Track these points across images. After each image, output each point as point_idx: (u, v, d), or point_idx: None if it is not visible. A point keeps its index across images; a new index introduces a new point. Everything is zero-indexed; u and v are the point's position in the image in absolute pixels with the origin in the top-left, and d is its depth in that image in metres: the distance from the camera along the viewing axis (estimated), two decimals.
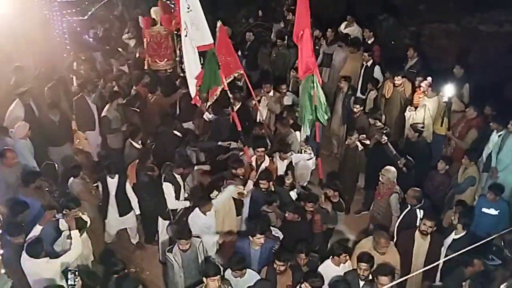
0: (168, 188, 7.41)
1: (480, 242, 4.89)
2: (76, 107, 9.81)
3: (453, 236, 6.61)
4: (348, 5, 13.07)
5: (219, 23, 8.05)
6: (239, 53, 11.79)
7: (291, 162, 8.19)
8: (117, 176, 7.66)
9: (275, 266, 5.86)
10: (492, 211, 7.12)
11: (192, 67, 7.86)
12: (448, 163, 7.89)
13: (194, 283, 6.08)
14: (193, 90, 8.01)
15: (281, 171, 8.05)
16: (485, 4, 11.09)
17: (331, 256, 6.27)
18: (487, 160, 8.11)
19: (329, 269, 6.16)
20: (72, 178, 7.59)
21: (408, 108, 9.35)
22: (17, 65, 10.56)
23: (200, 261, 6.39)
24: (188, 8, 7.29)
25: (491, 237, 5.44)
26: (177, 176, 7.50)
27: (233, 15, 15.28)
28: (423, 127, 8.73)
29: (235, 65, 8.39)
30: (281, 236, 6.70)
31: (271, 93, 9.69)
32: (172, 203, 7.49)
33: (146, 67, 11.20)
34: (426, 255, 6.45)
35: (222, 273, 5.74)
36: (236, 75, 8.57)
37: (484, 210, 7.16)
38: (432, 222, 6.37)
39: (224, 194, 7.18)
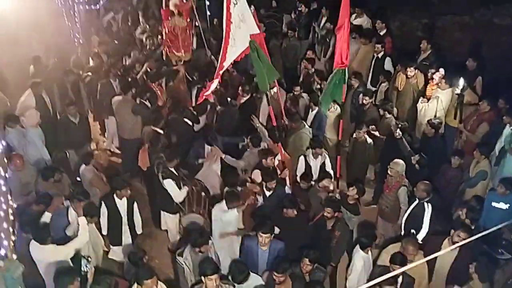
0: (170, 184, 7.38)
1: (488, 231, 4.78)
2: (101, 92, 9.86)
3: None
4: None
5: (252, 8, 8.01)
6: None
7: (324, 162, 8.05)
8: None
9: (274, 277, 5.61)
10: (502, 205, 7.05)
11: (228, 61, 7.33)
12: (461, 157, 7.82)
13: None
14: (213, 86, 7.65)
15: (314, 170, 7.94)
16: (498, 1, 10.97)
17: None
18: (499, 154, 8.02)
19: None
20: (83, 165, 7.64)
21: (420, 100, 9.29)
22: (35, 55, 10.62)
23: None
24: (235, 3, 6.90)
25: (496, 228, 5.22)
26: (171, 169, 7.46)
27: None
28: (440, 123, 8.62)
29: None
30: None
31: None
32: (178, 196, 7.46)
33: (164, 58, 11.23)
34: (451, 265, 6.15)
35: (220, 271, 5.57)
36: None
37: (494, 204, 7.09)
38: (465, 234, 5.96)
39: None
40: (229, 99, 9.47)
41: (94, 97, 10.26)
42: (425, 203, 6.87)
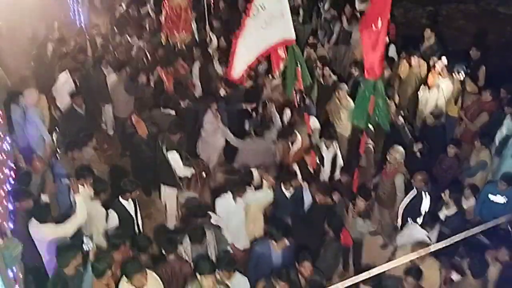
0: (174, 156, 7.39)
1: (488, 224, 4.82)
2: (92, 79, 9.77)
3: (445, 212, 6.67)
4: None
5: None
6: None
7: (336, 154, 7.89)
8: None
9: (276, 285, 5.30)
10: (500, 199, 7.04)
11: (248, 49, 6.94)
12: (458, 146, 7.82)
13: None
14: (239, 68, 7.17)
15: (326, 162, 7.77)
16: None
17: None
18: (500, 145, 8.02)
19: None
20: (83, 146, 7.63)
21: (421, 88, 9.26)
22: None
23: (211, 255, 6.00)
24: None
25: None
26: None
27: None
28: (441, 113, 8.57)
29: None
30: None
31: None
32: (181, 170, 7.48)
33: (164, 40, 11.11)
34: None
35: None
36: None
37: (491, 197, 7.08)
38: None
39: (260, 193, 6.88)
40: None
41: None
42: (423, 193, 6.88)
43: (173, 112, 8.54)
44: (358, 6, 11.80)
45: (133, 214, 6.59)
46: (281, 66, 7.71)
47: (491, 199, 7.07)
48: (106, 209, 6.48)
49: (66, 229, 5.93)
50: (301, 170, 7.43)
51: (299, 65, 6.92)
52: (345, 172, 7.49)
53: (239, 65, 7.01)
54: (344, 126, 8.69)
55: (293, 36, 6.75)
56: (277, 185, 6.89)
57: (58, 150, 7.60)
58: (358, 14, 11.17)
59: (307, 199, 6.99)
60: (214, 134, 8.38)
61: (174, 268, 5.60)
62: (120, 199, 6.47)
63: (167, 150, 7.43)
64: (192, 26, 11.12)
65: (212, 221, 6.30)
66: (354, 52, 10.84)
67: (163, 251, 5.70)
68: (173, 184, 7.69)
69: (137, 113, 8.32)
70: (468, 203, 7.19)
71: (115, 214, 6.36)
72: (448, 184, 7.48)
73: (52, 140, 8.25)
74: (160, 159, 7.59)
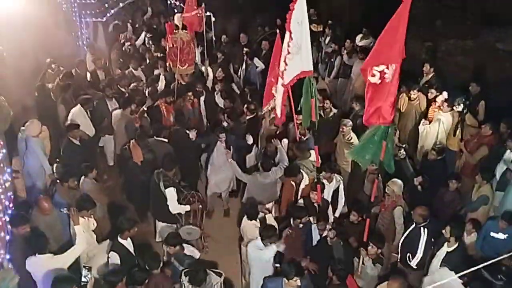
0: (171, 193, 7.40)
1: (490, 262, 4.77)
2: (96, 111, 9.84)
3: (446, 248, 6.58)
4: (364, 17, 13.04)
5: (277, 32, 8.04)
6: (254, 61, 11.83)
7: (338, 187, 7.91)
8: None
9: None
10: (500, 235, 7.00)
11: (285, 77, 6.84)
12: (459, 180, 7.81)
13: None
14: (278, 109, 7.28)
15: (327, 196, 7.73)
16: (503, 22, 11.03)
17: None
18: (501, 179, 8.01)
19: None
20: (83, 177, 7.65)
21: (422, 122, 9.31)
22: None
23: None
24: (299, 22, 6.46)
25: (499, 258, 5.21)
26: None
27: (250, 23, 15.36)
28: (443, 148, 8.60)
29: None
30: None
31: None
32: (176, 207, 7.48)
33: (168, 70, 11.32)
34: None
35: None
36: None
37: (493, 234, 7.04)
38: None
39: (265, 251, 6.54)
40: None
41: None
42: (422, 228, 6.80)
43: (166, 140, 8.63)
44: (359, 41, 12.01)
45: (132, 251, 6.48)
46: (271, 103, 7.91)
47: (492, 235, 7.02)
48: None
49: (64, 260, 5.86)
50: (307, 206, 7.36)
51: (314, 97, 6.80)
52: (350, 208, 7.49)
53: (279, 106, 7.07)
54: (346, 161, 8.74)
55: (311, 67, 6.63)
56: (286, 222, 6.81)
57: (58, 181, 7.56)
58: (358, 49, 11.35)
59: (315, 236, 6.95)
60: (224, 165, 8.46)
61: None
62: (119, 238, 6.38)
63: (165, 187, 7.41)
64: (196, 58, 11.31)
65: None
66: (355, 86, 10.94)
67: None
68: (172, 221, 7.68)
69: (136, 140, 8.44)
70: (470, 238, 7.14)
71: (116, 254, 6.23)
72: (449, 218, 7.44)
73: (52, 171, 8.22)
74: (157, 196, 7.57)
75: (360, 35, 12.14)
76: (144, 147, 8.39)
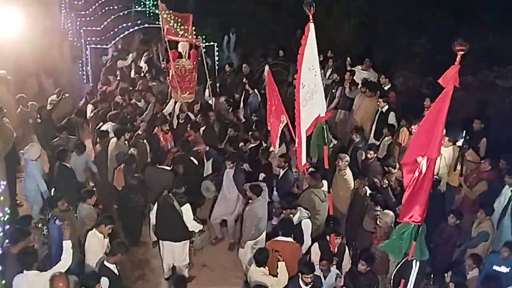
0: (188, 209, 7.54)
1: None
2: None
3: None
4: (366, 48, 13.15)
5: (266, 67, 8.10)
6: (255, 91, 11.92)
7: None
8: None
9: None
10: (503, 269, 6.89)
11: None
12: (459, 216, 7.72)
13: None
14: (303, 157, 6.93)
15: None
16: (502, 59, 11.13)
17: None
18: (500, 215, 7.94)
19: None
20: (80, 202, 7.62)
21: None
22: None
23: None
24: (316, 74, 6.36)
25: None
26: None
27: (252, 53, 15.55)
28: (439, 180, 8.56)
29: (283, 111, 8.10)
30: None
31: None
32: (194, 224, 7.65)
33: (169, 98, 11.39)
34: None
35: None
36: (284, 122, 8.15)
37: (496, 267, 6.94)
38: None
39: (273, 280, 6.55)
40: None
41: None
42: (414, 261, 6.67)
43: (168, 168, 8.62)
44: (359, 74, 12.08)
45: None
46: (277, 143, 8.08)
47: (496, 269, 6.92)
48: None
49: (47, 278, 5.82)
50: (322, 252, 7.06)
51: (327, 144, 6.65)
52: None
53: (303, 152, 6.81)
54: (340, 198, 8.37)
55: (323, 112, 6.54)
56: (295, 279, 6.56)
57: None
58: (361, 82, 11.41)
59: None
60: (230, 192, 8.52)
61: None
62: (105, 262, 6.36)
63: (180, 205, 7.50)
64: (197, 87, 11.39)
65: None
66: (355, 118, 10.97)
67: None
68: (189, 237, 7.80)
69: (125, 167, 8.49)
70: (472, 273, 7.01)
71: (107, 279, 6.20)
72: (446, 255, 7.35)
73: (50, 195, 8.18)
74: (171, 216, 7.57)
75: (360, 66, 12.21)
76: (129, 173, 8.38)
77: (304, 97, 6.44)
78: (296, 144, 6.91)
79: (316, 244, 7.19)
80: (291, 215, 7.44)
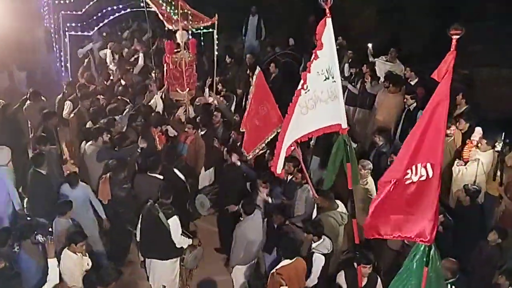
0: (176, 222, 7.55)
1: None
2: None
3: None
4: (393, 37, 13.10)
5: (258, 69, 8.05)
6: None
7: None
8: None
9: None
10: None
11: (291, 133, 6.50)
12: (502, 235, 7.61)
13: None
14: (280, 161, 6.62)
15: None
16: None
17: None
18: None
19: None
20: (57, 217, 7.63)
21: (456, 162, 9.18)
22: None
23: None
24: (329, 77, 6.17)
25: None
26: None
27: (258, 42, 15.51)
28: (478, 191, 8.50)
29: (277, 119, 8.10)
30: None
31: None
32: (181, 240, 7.65)
33: (163, 96, 11.37)
34: None
35: None
36: (278, 131, 7.82)
37: None
38: None
39: None
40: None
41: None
42: (448, 285, 6.64)
43: (160, 177, 8.57)
44: (382, 66, 12.05)
45: None
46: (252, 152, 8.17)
47: None
48: None
49: None
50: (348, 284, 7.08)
51: (350, 160, 6.46)
52: None
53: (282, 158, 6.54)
54: (359, 212, 7.97)
55: (344, 123, 6.34)
56: None
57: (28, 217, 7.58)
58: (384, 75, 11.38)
59: None
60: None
61: None
62: None
63: (167, 217, 7.50)
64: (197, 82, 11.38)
65: None
66: (378, 118, 10.98)
67: None
68: (177, 255, 7.82)
69: (112, 175, 8.43)
70: None
71: None
72: (485, 278, 7.30)
73: (22, 205, 8.21)
74: (157, 231, 7.61)
75: (384, 56, 12.18)
76: (117, 183, 8.35)
77: (306, 103, 6.22)
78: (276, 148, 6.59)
79: (342, 273, 7.16)
80: (312, 242, 7.36)
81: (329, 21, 5.90)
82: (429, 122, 5.21)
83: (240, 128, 8.93)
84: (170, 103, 11.17)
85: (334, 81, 6.15)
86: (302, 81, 6.13)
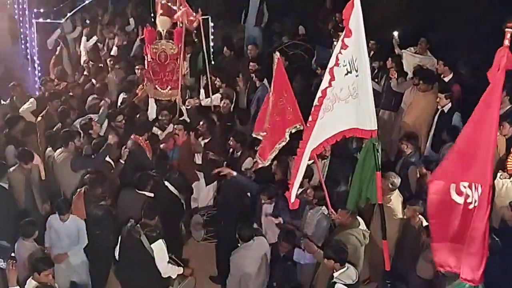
0: (161, 248, 7.53)
1: None
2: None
3: None
4: (423, 24, 13.06)
5: (277, 55, 8.00)
6: (265, 83, 11.88)
7: None
8: None
9: None
10: None
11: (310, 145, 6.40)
12: None
13: None
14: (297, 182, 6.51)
15: None
16: None
17: None
18: None
19: None
20: (20, 238, 7.65)
21: (499, 175, 9.14)
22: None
23: None
24: (351, 71, 6.10)
25: None
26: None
27: (262, 30, 15.45)
28: None
29: (294, 116, 7.99)
30: None
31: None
32: (167, 269, 7.63)
33: (139, 94, 11.38)
34: None
35: None
36: (293, 130, 8.02)
37: None
38: None
39: None
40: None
41: None
42: None
43: (150, 195, 8.56)
44: (411, 59, 12.01)
45: None
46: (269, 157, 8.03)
47: None
48: None
49: None
50: None
51: (379, 169, 6.48)
52: None
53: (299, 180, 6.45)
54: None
55: (373, 126, 6.34)
56: None
57: None
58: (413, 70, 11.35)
59: None
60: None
61: None
62: None
63: (150, 241, 7.47)
64: (185, 80, 11.34)
65: None
66: (406, 120, 10.95)
67: None
68: (161, 286, 7.80)
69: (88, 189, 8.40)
70: None
71: None
72: None
73: None
74: (137, 257, 7.61)
75: (412, 48, 12.14)
76: (94, 200, 8.33)
77: (326, 105, 6.14)
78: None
79: None
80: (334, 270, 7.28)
81: (357, 0, 5.86)
82: (477, 131, 5.10)
83: (253, 132, 8.83)
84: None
85: (357, 76, 6.09)
86: (329, 77, 6.01)
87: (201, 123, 10.32)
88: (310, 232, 8.30)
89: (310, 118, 6.13)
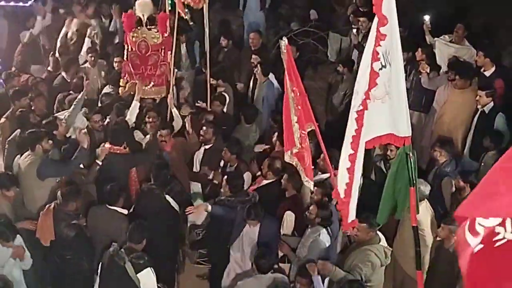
0: (148, 277, 7.57)
1: None
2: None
3: None
4: (460, 9, 13.09)
5: (284, 41, 8.00)
6: (270, 78, 11.90)
7: None
8: None
9: None
10: None
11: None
12: None
13: None
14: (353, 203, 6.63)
15: None
16: None
17: None
18: None
19: None
20: None
21: None
22: None
23: None
24: (386, 65, 6.15)
25: None
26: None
27: (266, 15, 15.51)
28: None
29: (307, 114, 7.89)
30: None
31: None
32: None
33: (120, 92, 11.37)
34: None
35: None
36: (305, 132, 8.00)
37: None
38: None
39: None
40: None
41: None
42: None
43: (124, 212, 8.63)
44: (445, 49, 11.99)
45: None
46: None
47: None
48: None
49: None
50: None
51: (414, 184, 6.46)
52: None
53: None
54: (409, 255, 8.19)
55: (407, 131, 6.33)
56: None
57: None
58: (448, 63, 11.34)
59: None
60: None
61: None
62: None
63: (136, 271, 7.49)
64: (170, 76, 11.29)
65: None
66: (439, 124, 10.95)
67: None
68: None
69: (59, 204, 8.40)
70: None
71: None
72: None
73: None
74: (121, 284, 7.63)
75: (447, 36, 12.11)
76: (65, 217, 8.32)
77: (385, 85, 6.17)
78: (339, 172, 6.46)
79: None
80: None
81: None
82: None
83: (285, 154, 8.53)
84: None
85: (391, 71, 6.11)
86: (372, 76, 5.99)
87: (204, 128, 10.35)
88: (302, 255, 8.39)
89: (355, 126, 6.12)
